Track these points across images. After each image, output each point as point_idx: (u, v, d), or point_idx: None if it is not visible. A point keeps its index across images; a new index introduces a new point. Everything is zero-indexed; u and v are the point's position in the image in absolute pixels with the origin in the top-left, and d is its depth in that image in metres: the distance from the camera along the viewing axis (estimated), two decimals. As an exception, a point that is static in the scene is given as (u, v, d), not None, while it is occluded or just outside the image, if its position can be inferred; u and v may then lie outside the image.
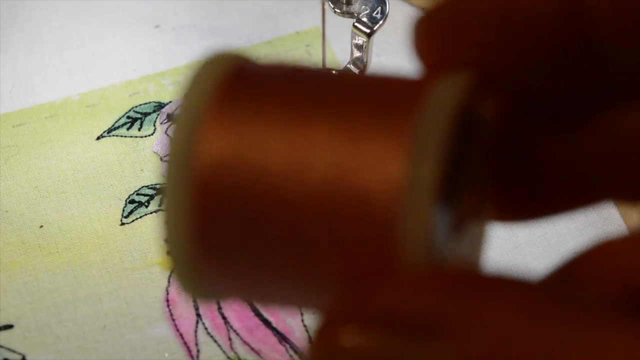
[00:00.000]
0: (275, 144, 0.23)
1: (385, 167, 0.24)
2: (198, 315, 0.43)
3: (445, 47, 0.24)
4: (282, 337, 0.42)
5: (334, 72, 0.26)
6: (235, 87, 0.23)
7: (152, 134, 0.51)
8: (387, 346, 0.21)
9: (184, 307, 0.44)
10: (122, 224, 0.47)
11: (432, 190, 0.23)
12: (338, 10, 0.46)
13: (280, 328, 0.43)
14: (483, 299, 0.21)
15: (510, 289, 0.21)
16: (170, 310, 0.44)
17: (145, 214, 0.47)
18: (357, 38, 0.47)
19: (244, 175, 0.22)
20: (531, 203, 0.26)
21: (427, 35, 0.24)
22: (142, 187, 0.48)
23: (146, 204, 0.48)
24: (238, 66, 0.24)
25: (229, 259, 0.23)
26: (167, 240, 0.23)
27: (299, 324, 0.43)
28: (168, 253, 0.24)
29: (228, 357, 0.42)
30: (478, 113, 0.25)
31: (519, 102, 0.25)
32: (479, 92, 0.25)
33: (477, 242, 0.27)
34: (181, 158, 0.22)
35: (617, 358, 0.20)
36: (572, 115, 0.25)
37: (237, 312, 0.43)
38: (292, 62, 0.25)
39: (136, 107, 0.52)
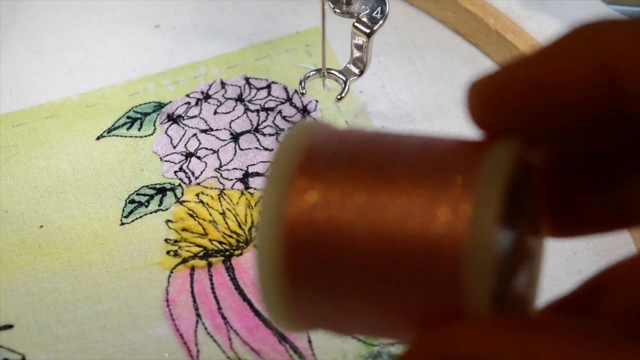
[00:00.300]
0: (351, 204, 0.27)
1: (450, 222, 0.27)
2: (198, 315, 0.43)
3: (496, 112, 0.28)
4: (281, 337, 0.42)
5: (399, 134, 0.29)
6: (315, 155, 0.28)
7: (152, 134, 0.51)
8: None
9: (183, 307, 0.44)
10: (122, 223, 0.47)
11: (491, 244, 0.27)
12: (338, 10, 0.46)
13: (280, 328, 0.43)
14: (528, 339, 0.26)
15: (556, 331, 0.26)
16: (170, 310, 0.43)
17: (145, 214, 0.47)
18: (357, 38, 0.47)
19: (325, 230, 0.27)
20: (582, 226, 0.31)
21: (480, 100, 0.28)
22: (142, 187, 0.48)
23: (146, 203, 0.48)
24: (317, 135, 0.29)
25: (313, 299, 0.28)
26: (260, 284, 0.28)
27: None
28: (261, 294, 0.28)
29: (228, 357, 0.42)
30: (529, 163, 0.29)
31: (566, 159, 0.30)
32: (527, 153, 0.29)
33: (534, 277, 0.31)
34: (274, 215, 0.26)
35: None
36: (614, 169, 0.29)
37: (237, 312, 0.43)
38: (363, 128, 0.30)
39: (136, 107, 0.52)
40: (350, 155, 0.28)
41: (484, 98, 0.29)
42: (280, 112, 0.51)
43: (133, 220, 0.47)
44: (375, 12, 0.46)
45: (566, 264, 0.44)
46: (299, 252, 0.27)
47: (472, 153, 0.29)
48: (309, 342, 0.42)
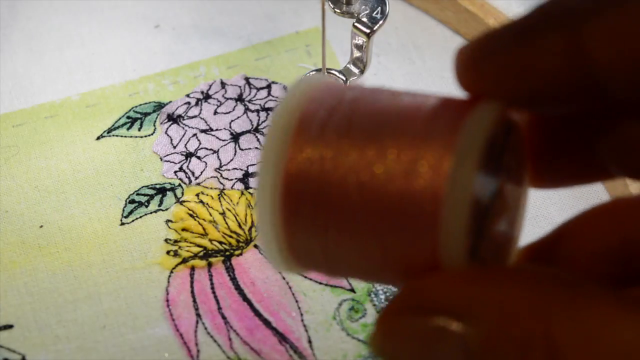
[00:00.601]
0: (342, 162, 0.31)
1: (430, 177, 0.31)
2: (198, 315, 0.43)
3: (479, 76, 0.32)
4: (282, 338, 0.42)
5: (393, 93, 0.33)
6: (313, 114, 0.31)
7: (152, 134, 0.51)
8: (427, 327, 0.30)
9: (183, 307, 0.44)
10: (122, 223, 0.47)
11: (468, 198, 0.30)
12: (338, 11, 0.46)
13: (280, 328, 0.43)
14: (497, 288, 0.29)
15: (523, 279, 0.29)
16: (170, 310, 0.43)
17: (145, 214, 0.47)
18: (357, 38, 0.47)
19: (318, 183, 0.30)
20: (561, 179, 0.34)
21: (465, 65, 0.32)
22: (142, 187, 0.48)
23: (146, 203, 0.48)
24: (316, 94, 0.32)
25: (306, 243, 0.32)
26: (261, 229, 0.32)
27: (298, 324, 0.43)
28: (260, 235, 0.32)
29: (228, 357, 0.42)
30: (511, 122, 0.32)
31: (546, 120, 0.34)
32: (508, 113, 0.32)
33: (516, 226, 0.35)
34: (274, 167, 0.30)
35: (603, 329, 0.27)
36: (589, 129, 0.33)
37: (237, 312, 0.43)
38: (361, 87, 0.33)
39: (136, 107, 0.52)
40: (344, 116, 0.31)
41: (468, 63, 0.32)
42: (280, 112, 0.51)
43: (133, 220, 0.47)
44: (375, 12, 0.46)
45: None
46: (295, 201, 0.31)
47: (457, 112, 0.32)
48: (309, 342, 0.42)
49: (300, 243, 0.33)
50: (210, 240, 0.46)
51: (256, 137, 0.50)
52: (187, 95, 0.52)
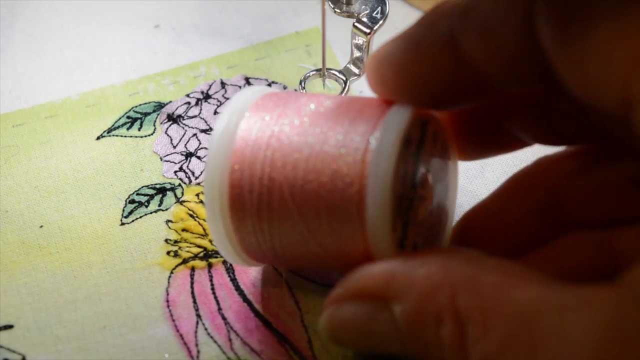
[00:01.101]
0: (275, 169, 0.37)
1: (353, 179, 0.36)
2: (198, 315, 0.43)
3: (380, 84, 0.37)
4: (282, 338, 0.42)
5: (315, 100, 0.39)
6: (264, 101, 0.39)
7: (152, 134, 0.51)
8: (362, 312, 0.35)
9: (184, 308, 0.44)
10: (122, 224, 0.47)
11: (388, 196, 0.35)
12: (338, 11, 0.46)
13: (280, 329, 0.43)
14: (415, 271, 0.34)
15: (434, 259, 0.34)
16: (170, 311, 0.43)
17: (145, 214, 0.47)
18: (357, 38, 0.47)
19: (258, 184, 0.37)
20: (483, 153, 0.41)
21: (370, 72, 0.37)
22: (142, 187, 0.48)
23: (146, 204, 0.48)
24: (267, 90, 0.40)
25: (257, 244, 0.39)
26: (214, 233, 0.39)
27: (298, 325, 0.43)
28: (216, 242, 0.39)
29: (228, 358, 0.42)
30: (425, 115, 0.38)
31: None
32: (418, 112, 0.37)
33: (451, 188, 0.41)
34: (226, 147, 0.38)
35: (498, 296, 0.32)
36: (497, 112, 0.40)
37: (237, 312, 0.43)
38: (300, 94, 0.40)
39: (136, 107, 0.52)
40: (282, 111, 0.38)
41: (372, 71, 0.37)
42: (280, 112, 0.51)
43: (133, 221, 0.47)
44: (375, 12, 0.46)
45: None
46: (240, 210, 0.38)
47: (377, 113, 0.37)
48: (309, 342, 0.42)
49: (251, 245, 0.39)
50: (211, 241, 0.46)
51: (256, 137, 0.50)
52: (187, 95, 0.52)
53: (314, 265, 0.39)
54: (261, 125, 0.38)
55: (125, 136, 0.50)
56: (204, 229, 0.46)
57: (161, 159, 0.49)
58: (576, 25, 0.30)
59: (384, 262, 0.36)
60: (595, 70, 0.30)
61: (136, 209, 0.47)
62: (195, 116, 0.51)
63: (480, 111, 0.40)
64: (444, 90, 0.36)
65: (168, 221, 0.47)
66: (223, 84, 0.53)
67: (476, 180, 0.48)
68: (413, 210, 0.37)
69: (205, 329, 0.43)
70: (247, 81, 0.53)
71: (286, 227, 0.37)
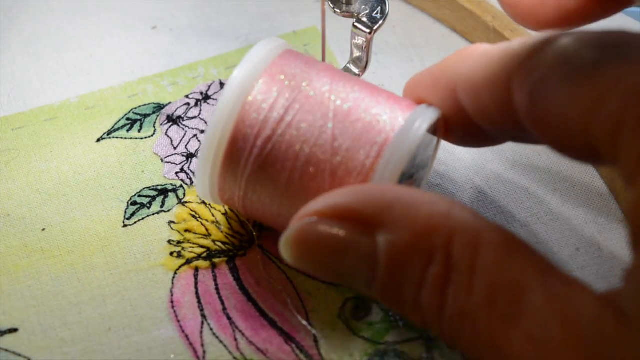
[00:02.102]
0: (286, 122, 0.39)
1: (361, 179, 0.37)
2: (203, 316, 0.43)
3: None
4: (287, 337, 0.43)
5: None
6: (277, 65, 0.40)
7: (152, 135, 0.51)
8: (337, 233, 0.34)
9: (188, 309, 0.44)
10: (125, 225, 0.47)
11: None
12: (338, 11, 0.46)
13: (285, 328, 0.43)
14: (414, 205, 0.34)
15: (436, 200, 0.34)
16: (175, 312, 0.44)
17: (147, 216, 0.47)
18: (357, 38, 0.48)
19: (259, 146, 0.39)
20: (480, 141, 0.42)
21: (406, 94, 0.43)
22: (144, 188, 0.48)
23: (148, 205, 0.48)
24: (283, 51, 0.41)
25: (232, 188, 0.41)
26: (200, 168, 0.40)
27: (304, 323, 0.43)
28: (198, 175, 0.40)
29: (234, 358, 0.42)
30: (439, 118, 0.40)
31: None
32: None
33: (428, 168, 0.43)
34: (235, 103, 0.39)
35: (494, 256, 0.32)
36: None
37: (242, 312, 0.43)
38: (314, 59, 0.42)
39: (135, 108, 0.52)
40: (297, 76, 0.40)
41: (408, 93, 0.42)
42: (280, 112, 0.51)
43: (135, 222, 0.47)
44: (375, 12, 0.46)
45: (569, 259, 0.45)
46: (232, 158, 0.39)
47: (397, 113, 0.39)
48: (315, 341, 0.42)
49: (228, 187, 0.40)
50: (214, 241, 0.46)
51: (256, 137, 0.50)
52: (187, 96, 0.52)
53: (279, 218, 0.40)
54: (279, 89, 0.39)
55: (126, 138, 0.50)
56: (206, 230, 0.46)
57: (162, 160, 0.50)
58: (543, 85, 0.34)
59: (386, 187, 0.35)
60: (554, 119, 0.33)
61: (138, 211, 0.47)
62: (195, 117, 0.51)
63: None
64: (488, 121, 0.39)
65: (170, 222, 0.47)
66: (222, 85, 0.53)
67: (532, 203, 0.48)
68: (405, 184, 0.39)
69: (211, 329, 0.43)
70: (246, 81, 0.53)
71: (269, 177, 0.39)
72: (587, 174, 0.48)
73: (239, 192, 0.40)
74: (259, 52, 0.40)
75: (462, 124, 0.40)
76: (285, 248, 0.35)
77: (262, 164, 0.38)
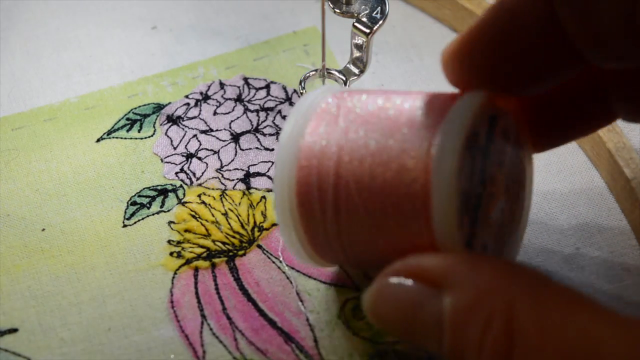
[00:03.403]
0: (341, 141, 0.37)
1: (417, 174, 0.35)
2: (203, 316, 0.43)
3: (464, 70, 0.36)
4: (287, 337, 0.43)
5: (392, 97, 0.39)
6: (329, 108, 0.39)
7: (151, 136, 0.51)
8: (411, 291, 0.34)
9: (188, 309, 0.44)
10: (124, 225, 0.47)
11: (453, 192, 0.34)
12: (338, 11, 0.46)
13: (285, 328, 0.43)
14: (477, 270, 0.33)
15: (499, 266, 0.34)
16: (175, 312, 0.44)
17: (147, 216, 0.47)
18: (356, 38, 0.48)
19: (327, 182, 0.37)
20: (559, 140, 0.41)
21: (450, 63, 0.37)
22: (144, 188, 0.48)
23: (148, 205, 0.48)
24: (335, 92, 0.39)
25: (327, 243, 0.38)
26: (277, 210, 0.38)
27: (304, 324, 0.43)
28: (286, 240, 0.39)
29: (234, 358, 0.42)
30: (499, 108, 0.36)
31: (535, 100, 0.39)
32: (493, 101, 0.36)
33: (520, 199, 0.40)
34: (294, 145, 0.38)
35: (561, 320, 0.31)
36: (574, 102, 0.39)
37: (242, 312, 0.43)
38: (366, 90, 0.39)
39: (135, 108, 0.52)
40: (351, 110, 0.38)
41: (452, 60, 0.36)
42: (279, 111, 0.51)
43: (135, 222, 0.47)
44: (375, 12, 0.46)
45: (569, 259, 0.45)
46: (308, 208, 0.37)
47: (443, 107, 0.36)
48: (315, 341, 0.42)
49: (320, 245, 0.39)
50: (213, 241, 0.46)
51: (256, 137, 0.50)
52: (186, 96, 0.52)
53: (382, 263, 0.37)
54: (328, 123, 0.38)
55: (125, 138, 0.50)
56: (206, 230, 0.46)
57: (162, 160, 0.50)
58: None
59: (448, 253, 0.35)
60: None
61: (138, 211, 0.47)
62: (195, 117, 0.51)
63: (558, 92, 0.38)
64: (535, 64, 0.34)
65: (170, 222, 0.47)
66: (222, 85, 0.53)
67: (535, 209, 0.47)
68: (482, 208, 0.37)
69: (211, 329, 0.43)
70: (246, 81, 0.53)
71: (354, 224, 0.37)
72: (587, 174, 0.48)
73: (335, 243, 0.39)
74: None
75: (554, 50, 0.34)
76: (366, 305, 0.36)
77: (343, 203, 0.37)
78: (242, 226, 0.46)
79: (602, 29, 0.31)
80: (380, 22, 0.46)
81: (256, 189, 0.48)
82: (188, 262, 0.45)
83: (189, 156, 0.50)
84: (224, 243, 0.46)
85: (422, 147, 0.35)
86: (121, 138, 0.50)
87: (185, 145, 0.50)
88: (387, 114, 0.37)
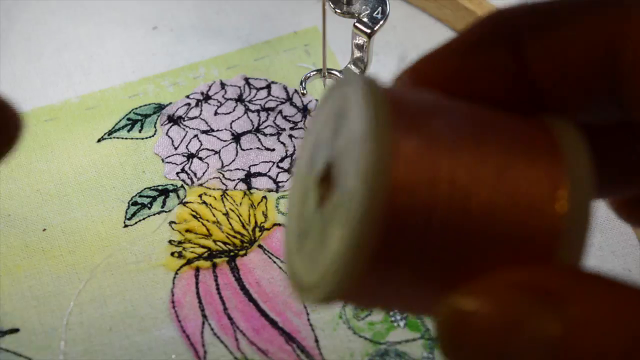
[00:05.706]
0: (452, 174, 0.24)
1: (547, 198, 0.27)
2: (204, 316, 0.43)
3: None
4: (288, 337, 0.43)
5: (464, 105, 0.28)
6: (403, 117, 0.24)
7: (152, 136, 0.51)
8: (507, 306, 0.26)
9: (189, 309, 0.44)
10: (125, 226, 0.47)
11: (587, 221, 0.27)
12: (339, 11, 0.46)
13: (286, 328, 0.43)
14: (596, 293, 0.26)
15: (603, 283, 0.27)
16: (176, 312, 0.44)
17: (148, 216, 0.47)
18: (357, 38, 0.48)
19: (426, 201, 0.23)
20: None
21: (413, 83, 0.30)
22: (144, 188, 0.48)
23: (149, 205, 0.48)
24: (392, 95, 0.25)
25: (390, 276, 0.24)
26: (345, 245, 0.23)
27: (305, 324, 0.43)
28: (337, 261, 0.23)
29: (235, 358, 0.42)
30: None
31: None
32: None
33: None
34: (377, 181, 0.22)
35: None
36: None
37: (243, 312, 0.43)
38: (428, 91, 0.27)
39: (136, 109, 0.52)
40: (439, 124, 0.25)
41: (411, 79, 0.29)
42: (280, 111, 0.51)
43: (136, 222, 0.47)
44: (375, 12, 0.46)
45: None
46: (396, 223, 0.23)
47: (536, 131, 0.28)
48: (316, 341, 0.42)
49: (382, 275, 0.25)
50: (215, 241, 0.46)
51: (257, 137, 0.50)
52: (187, 97, 0.52)
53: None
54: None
55: (126, 138, 0.51)
56: (207, 230, 0.46)
57: (163, 160, 0.50)
58: None
59: (562, 266, 0.28)
60: None
61: (139, 211, 0.47)
62: (195, 117, 0.51)
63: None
64: (494, 99, 0.31)
65: (171, 222, 0.47)
66: (223, 85, 0.53)
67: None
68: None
69: (212, 329, 0.43)
70: (247, 82, 0.53)
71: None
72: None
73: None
74: None
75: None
76: (440, 332, 0.29)
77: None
78: (243, 226, 0.46)
79: (573, 67, 0.28)
80: (381, 22, 0.46)
81: (257, 189, 0.48)
82: (189, 262, 0.45)
83: (190, 156, 0.50)
84: (225, 243, 0.46)
85: (549, 175, 0.27)
86: (122, 138, 0.50)
87: (186, 146, 0.50)
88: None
